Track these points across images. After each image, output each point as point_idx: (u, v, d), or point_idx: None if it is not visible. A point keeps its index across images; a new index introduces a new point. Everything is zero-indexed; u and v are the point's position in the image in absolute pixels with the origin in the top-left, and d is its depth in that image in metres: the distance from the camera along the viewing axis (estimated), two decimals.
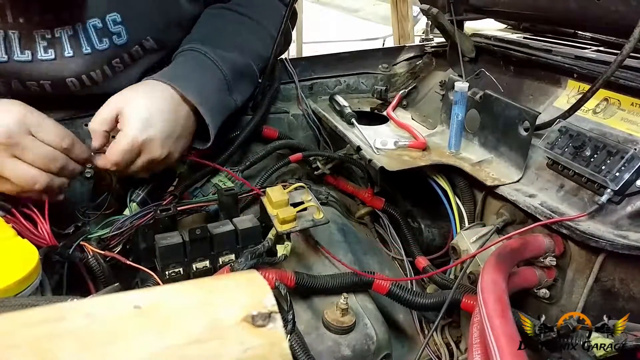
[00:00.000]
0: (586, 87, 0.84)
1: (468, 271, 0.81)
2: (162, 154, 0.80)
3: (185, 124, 0.84)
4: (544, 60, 0.93)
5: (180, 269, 0.74)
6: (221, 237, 0.78)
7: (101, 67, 0.91)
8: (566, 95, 0.89)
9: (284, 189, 0.81)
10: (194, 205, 0.90)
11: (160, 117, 0.79)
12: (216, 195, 0.90)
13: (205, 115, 0.84)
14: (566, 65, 0.89)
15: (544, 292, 0.76)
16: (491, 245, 0.79)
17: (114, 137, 0.79)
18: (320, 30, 5.62)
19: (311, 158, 1.08)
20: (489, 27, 1.31)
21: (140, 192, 0.88)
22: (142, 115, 0.77)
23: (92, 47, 0.88)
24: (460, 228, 0.89)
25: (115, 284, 0.56)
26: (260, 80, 1.11)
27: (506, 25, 1.30)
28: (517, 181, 0.83)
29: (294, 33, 1.25)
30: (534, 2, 0.97)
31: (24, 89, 0.89)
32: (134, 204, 0.86)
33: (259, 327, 0.33)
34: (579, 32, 1.13)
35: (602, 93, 0.82)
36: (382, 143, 0.98)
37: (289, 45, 1.23)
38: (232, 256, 0.80)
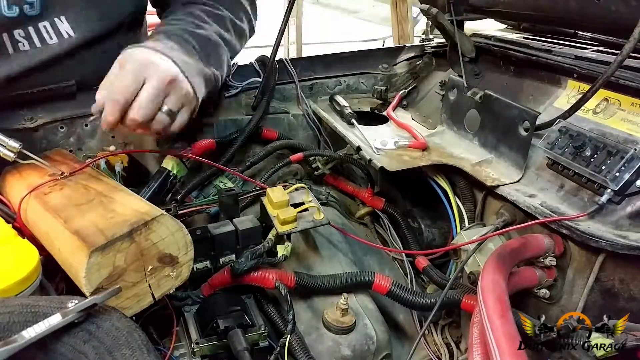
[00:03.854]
0: (586, 87, 0.84)
1: (468, 271, 0.81)
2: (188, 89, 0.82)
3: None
4: (544, 60, 0.93)
5: None
6: (221, 237, 0.78)
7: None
8: (566, 95, 0.89)
9: (285, 190, 0.81)
10: (195, 207, 0.90)
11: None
12: (217, 196, 0.90)
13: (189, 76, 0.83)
14: (566, 66, 0.89)
15: (544, 292, 0.76)
16: (485, 239, 0.79)
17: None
18: (320, 31, 5.62)
19: (311, 158, 1.08)
20: (489, 27, 1.30)
21: (142, 195, 0.88)
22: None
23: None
24: (461, 228, 0.89)
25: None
26: (260, 79, 1.12)
27: (506, 26, 1.30)
28: (517, 181, 0.83)
29: (294, 34, 1.24)
30: (534, 2, 0.97)
31: None
32: None
33: None
34: (579, 32, 1.13)
35: (602, 93, 0.82)
36: (382, 143, 0.98)
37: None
38: (233, 256, 0.80)
